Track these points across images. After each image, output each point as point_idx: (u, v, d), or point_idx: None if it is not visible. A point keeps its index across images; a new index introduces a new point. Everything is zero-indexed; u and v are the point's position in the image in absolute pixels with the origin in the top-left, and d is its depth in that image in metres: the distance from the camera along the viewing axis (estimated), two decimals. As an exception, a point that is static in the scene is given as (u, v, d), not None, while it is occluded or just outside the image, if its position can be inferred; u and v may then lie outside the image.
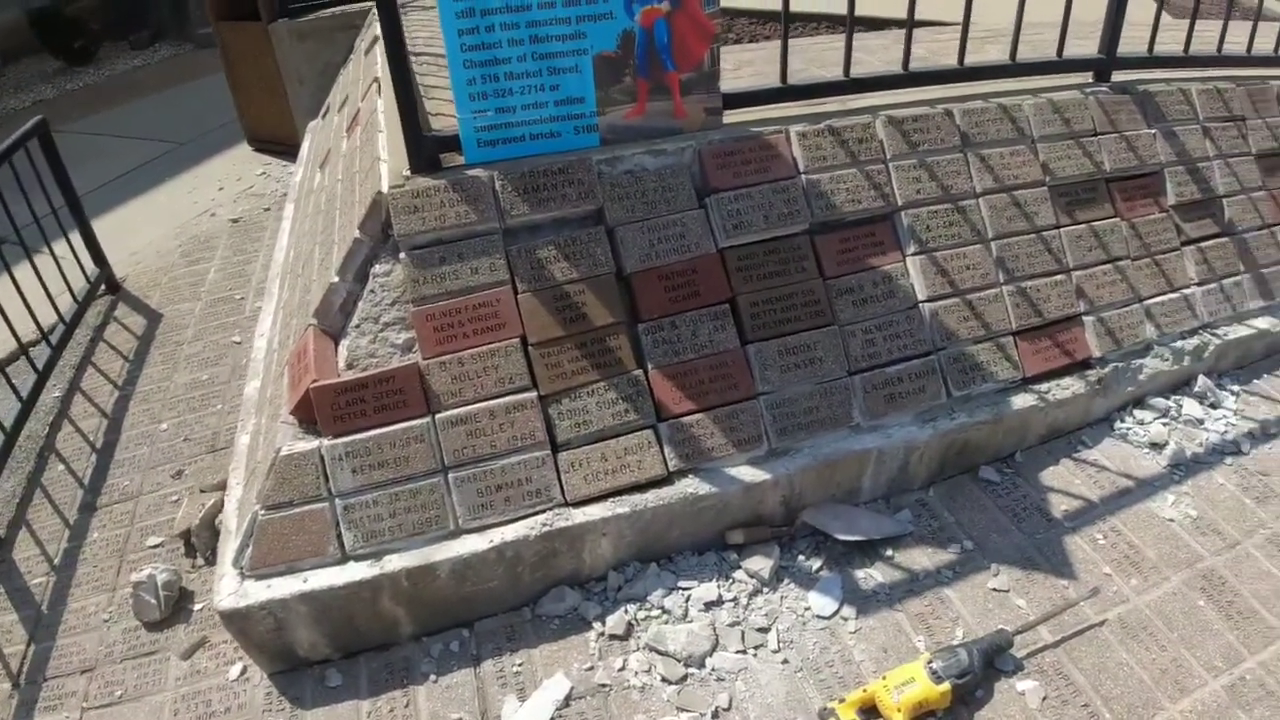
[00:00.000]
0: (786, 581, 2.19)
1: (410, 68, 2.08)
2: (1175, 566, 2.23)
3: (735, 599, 2.14)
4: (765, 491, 2.21)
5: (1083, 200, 2.68)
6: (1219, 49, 3.12)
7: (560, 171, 2.17)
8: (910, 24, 2.55)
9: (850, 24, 2.45)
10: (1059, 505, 2.40)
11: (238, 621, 1.96)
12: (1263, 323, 2.90)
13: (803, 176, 2.36)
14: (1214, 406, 2.74)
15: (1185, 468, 2.53)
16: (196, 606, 2.29)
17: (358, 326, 2.11)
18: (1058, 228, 2.62)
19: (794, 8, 2.49)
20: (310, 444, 2.01)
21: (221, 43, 5.22)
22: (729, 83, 2.41)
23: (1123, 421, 2.65)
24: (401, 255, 2.10)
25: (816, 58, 3.44)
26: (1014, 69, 2.71)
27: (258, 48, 4.95)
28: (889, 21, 2.51)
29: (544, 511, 2.07)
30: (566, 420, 2.11)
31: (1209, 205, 2.91)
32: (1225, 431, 2.65)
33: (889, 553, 2.26)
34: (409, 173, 2.15)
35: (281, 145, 5.24)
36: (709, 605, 2.12)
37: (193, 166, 5.51)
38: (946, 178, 2.50)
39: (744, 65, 3.31)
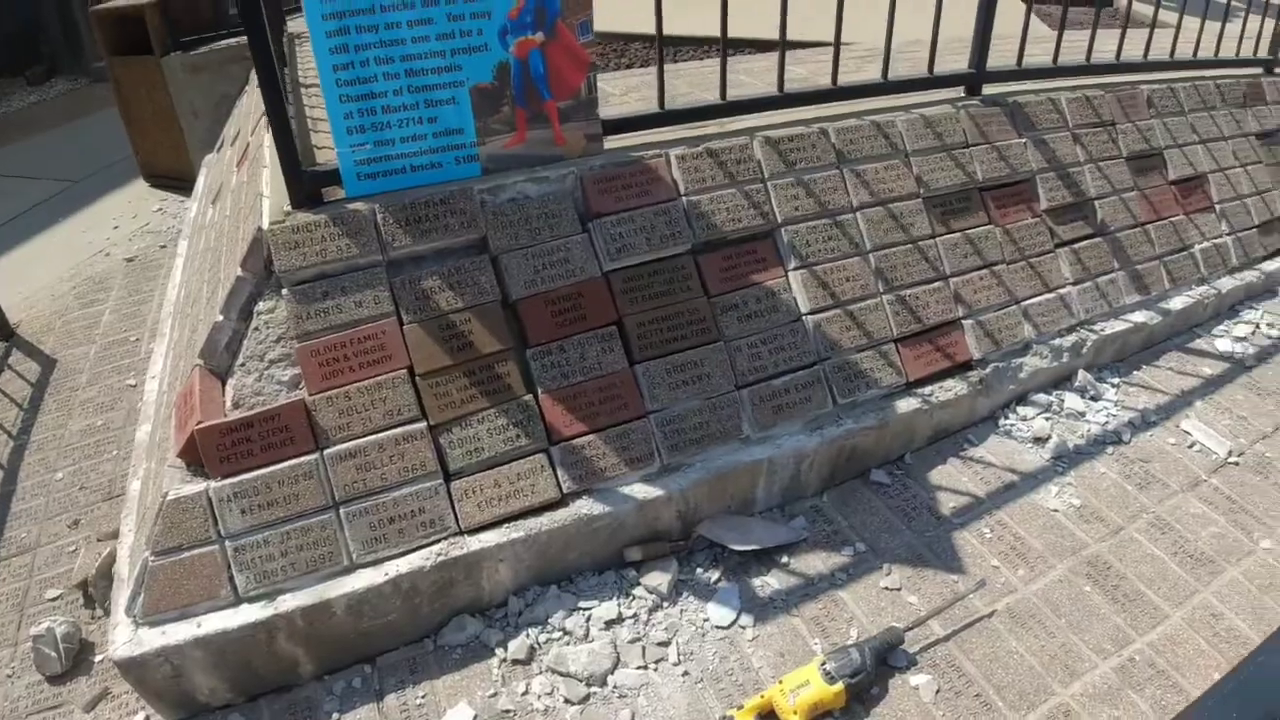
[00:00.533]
0: (686, 595, 2.22)
1: (285, 101, 2.07)
2: (1061, 555, 2.32)
3: (635, 615, 2.16)
4: (660, 507, 2.24)
5: (957, 210, 2.77)
6: (1088, 58, 3.24)
7: (442, 202, 2.18)
8: (783, 46, 2.61)
9: (723, 48, 2.51)
10: (947, 503, 2.47)
11: (134, 670, 1.91)
12: (1139, 316, 3.03)
13: (684, 198, 2.40)
14: (1095, 399, 2.85)
15: (1068, 459, 2.63)
16: (97, 658, 2.23)
17: (243, 365, 2.08)
18: (934, 237, 2.71)
19: (682, 32, 2.54)
20: (198, 486, 1.98)
21: (114, 77, 5.10)
22: (612, 108, 2.46)
23: (1007, 419, 2.75)
24: (284, 291, 2.08)
25: (701, 80, 3.50)
26: (886, 87, 2.80)
27: (150, 81, 4.86)
28: (773, 43, 2.58)
29: (439, 541, 2.06)
30: (458, 449, 2.12)
31: (1081, 208, 3.03)
32: (1106, 422, 2.77)
33: (785, 559, 2.31)
34: (290, 208, 2.14)
35: (178, 180, 5.12)
36: (609, 623, 2.14)
37: (88, 205, 5.35)
38: (824, 194, 2.57)
39: (632, 91, 3.35)
